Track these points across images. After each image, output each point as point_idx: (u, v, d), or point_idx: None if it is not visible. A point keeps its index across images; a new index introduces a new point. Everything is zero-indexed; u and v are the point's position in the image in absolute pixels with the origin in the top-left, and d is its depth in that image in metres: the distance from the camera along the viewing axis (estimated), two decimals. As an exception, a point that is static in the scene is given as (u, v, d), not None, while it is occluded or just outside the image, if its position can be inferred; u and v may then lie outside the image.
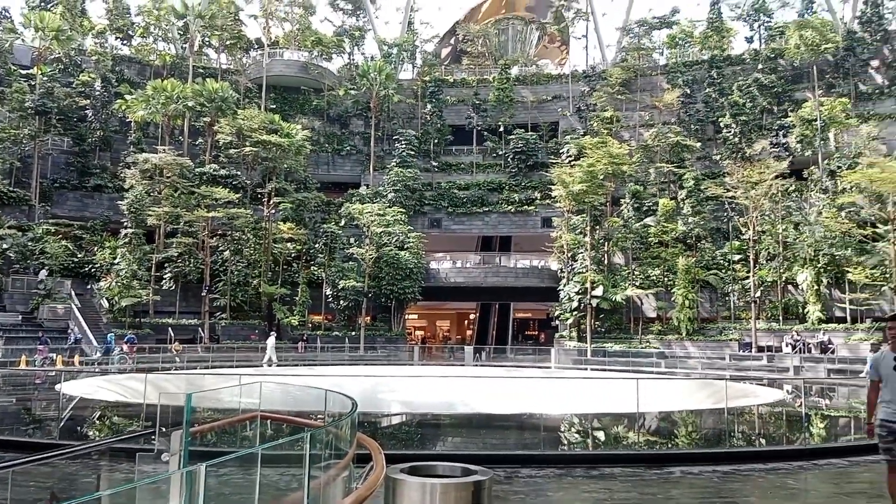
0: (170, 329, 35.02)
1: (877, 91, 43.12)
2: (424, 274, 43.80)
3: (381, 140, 51.59)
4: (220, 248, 40.78)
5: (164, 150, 40.56)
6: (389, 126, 52.02)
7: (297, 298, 40.99)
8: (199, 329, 37.53)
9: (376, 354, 38.47)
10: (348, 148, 51.79)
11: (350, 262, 41.93)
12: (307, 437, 3.87)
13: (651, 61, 51.54)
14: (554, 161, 44.21)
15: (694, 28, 52.17)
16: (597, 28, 58.01)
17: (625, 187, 43.16)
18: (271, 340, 30.97)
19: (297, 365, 31.33)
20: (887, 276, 31.09)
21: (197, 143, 47.06)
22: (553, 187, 40.77)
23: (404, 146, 48.77)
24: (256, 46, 54.53)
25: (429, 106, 52.32)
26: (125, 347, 30.25)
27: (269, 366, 29.04)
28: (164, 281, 39.95)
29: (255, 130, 41.29)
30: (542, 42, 65.01)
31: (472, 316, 53.40)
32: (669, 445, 11.79)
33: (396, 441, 11.74)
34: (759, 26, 49.66)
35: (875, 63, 43.91)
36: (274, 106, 50.18)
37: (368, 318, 42.37)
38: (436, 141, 51.41)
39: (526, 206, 47.78)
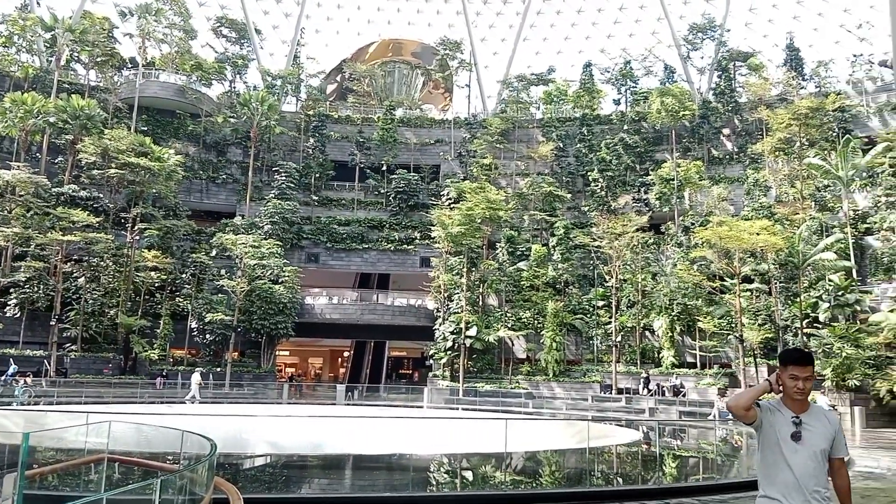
0: (11, 360, 31.81)
1: (727, 156, 47.58)
2: (299, 309, 42.76)
3: (260, 171, 50.40)
4: (75, 275, 37.83)
5: (17, 166, 37.40)
6: (270, 157, 50.99)
7: (158, 331, 38.62)
8: (45, 361, 34.38)
9: (243, 392, 36.80)
10: (224, 176, 50.09)
11: (219, 295, 40.17)
12: (158, 482, 3.63)
13: (528, 114, 54.11)
14: (434, 203, 45.07)
15: (568, 87, 55.50)
16: (479, 79, 60.38)
17: (500, 232, 44.65)
18: (196, 377, 29.89)
19: (153, 402, 29.35)
20: (733, 325, 33.85)
21: (56, 161, 43.77)
22: (433, 228, 41.47)
23: (284, 178, 47.87)
24: (130, 66, 51.87)
25: (312, 140, 51.86)
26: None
27: (192, 402, 28.18)
28: (7, 307, 36.42)
29: (122, 152, 38.95)
30: (426, 87, 66.65)
31: (346, 353, 52.55)
32: (534, 485, 12.06)
33: (259, 484, 11.23)
34: (626, 90, 53.76)
35: (726, 131, 48.56)
36: (146, 128, 47.73)
37: (236, 353, 40.61)
38: (317, 175, 50.89)
39: (405, 245, 48.14)
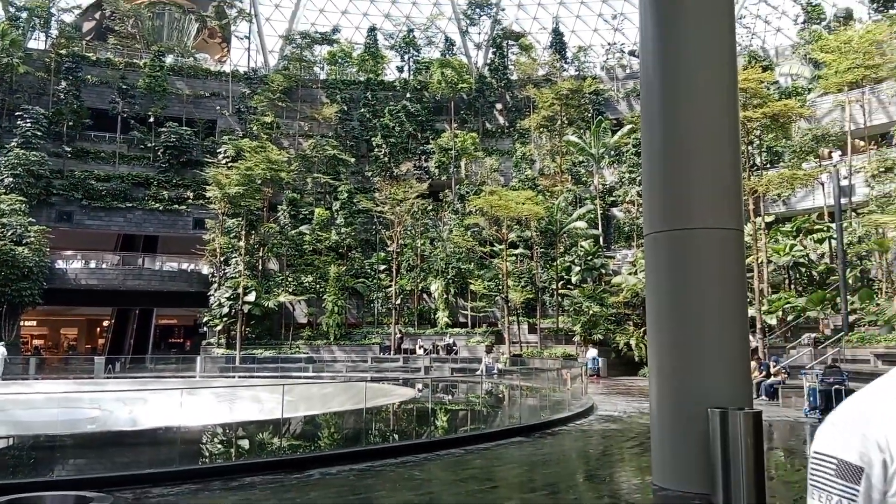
0: None
1: (499, 130, 50.72)
2: (48, 274, 37.95)
3: (0, 115, 43.52)
4: None
5: None
6: (12, 100, 44.10)
7: None
8: None
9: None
10: (-51, 119, 42.49)
11: (-56, 258, 34.30)
12: None
13: (312, 74, 52.85)
14: (210, 160, 42.36)
15: (353, 49, 55.04)
16: (260, 31, 57.49)
17: (282, 194, 43.44)
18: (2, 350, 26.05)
19: None
20: (500, 287, 36.63)
21: None
22: (208, 187, 38.98)
23: (30, 125, 41.75)
24: None
25: (64, 83, 45.73)
26: None
27: None
28: None
29: None
30: (201, 35, 61.84)
31: (106, 323, 47.97)
32: (312, 448, 12.12)
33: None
34: (409, 59, 54.69)
35: (499, 106, 51.66)
36: None
37: (-32, 325, 35.10)
38: (71, 123, 45.08)
39: (176, 205, 44.77)
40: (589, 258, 36.95)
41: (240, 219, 39.14)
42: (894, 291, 24.86)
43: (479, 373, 29.87)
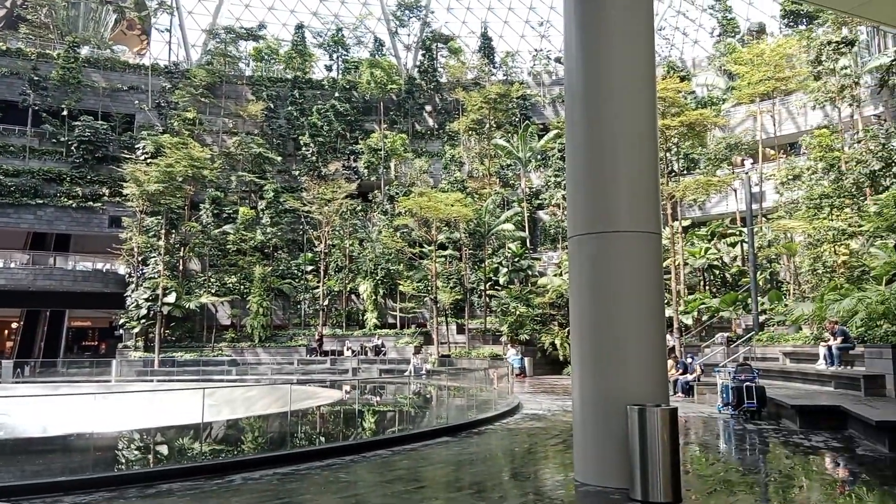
0: None
1: (429, 132, 50.86)
2: (-53, 275, 35.62)
3: None
4: None
5: None
6: None
7: None
8: None
9: None
10: None
11: None
12: None
13: (237, 70, 51.56)
14: (128, 156, 40.62)
15: (279, 46, 54.04)
16: (182, 24, 55.69)
17: (205, 192, 42.20)
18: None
19: None
20: (429, 288, 36.74)
21: None
22: (125, 184, 37.41)
23: (-73, 115, 39.09)
24: None
25: (-33, 71, 43.01)
26: None
27: None
28: None
29: None
30: (119, 26, 59.29)
31: (14, 325, 45.31)
32: (235, 452, 11.83)
33: None
34: (338, 58, 54.12)
35: (429, 108, 51.80)
36: None
37: None
38: (-25, 115, 42.46)
39: (91, 203, 42.74)
40: (516, 260, 37.55)
41: (160, 217, 37.79)
42: (801, 294, 26.36)
43: (407, 374, 29.91)
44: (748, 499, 7.32)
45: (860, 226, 23.78)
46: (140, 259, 38.20)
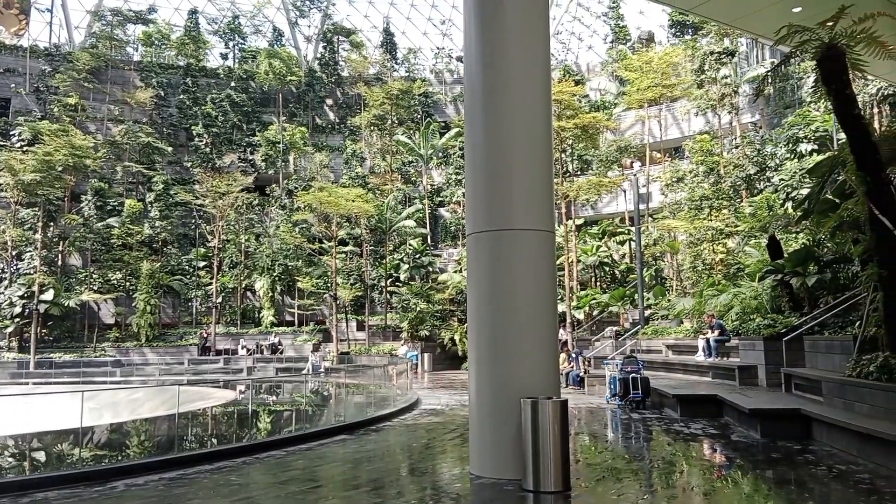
0: None
1: (329, 126, 50.09)
2: None
3: None
4: None
5: None
6: None
7: None
8: None
9: None
10: None
11: None
12: None
13: (125, 55, 48.77)
14: (1, 143, 37.64)
15: (171, 31, 51.56)
16: (64, 4, 52.00)
17: (87, 183, 39.71)
18: None
19: None
20: (329, 284, 36.22)
21: None
22: (-3, 173, 34.64)
23: None
24: None
25: None
26: None
27: None
28: None
29: None
30: (-9, 1, 54.68)
31: None
32: (119, 458, 11.21)
33: None
34: (235, 46, 52.28)
35: (330, 102, 51.01)
36: None
37: None
38: None
39: (-44, 192, 39.26)
40: (417, 256, 37.70)
41: (36, 209, 35.29)
42: (683, 289, 28.02)
43: (304, 372, 29.37)
44: (633, 485, 7.69)
45: (736, 226, 25.55)
46: (14, 253, 35.53)
